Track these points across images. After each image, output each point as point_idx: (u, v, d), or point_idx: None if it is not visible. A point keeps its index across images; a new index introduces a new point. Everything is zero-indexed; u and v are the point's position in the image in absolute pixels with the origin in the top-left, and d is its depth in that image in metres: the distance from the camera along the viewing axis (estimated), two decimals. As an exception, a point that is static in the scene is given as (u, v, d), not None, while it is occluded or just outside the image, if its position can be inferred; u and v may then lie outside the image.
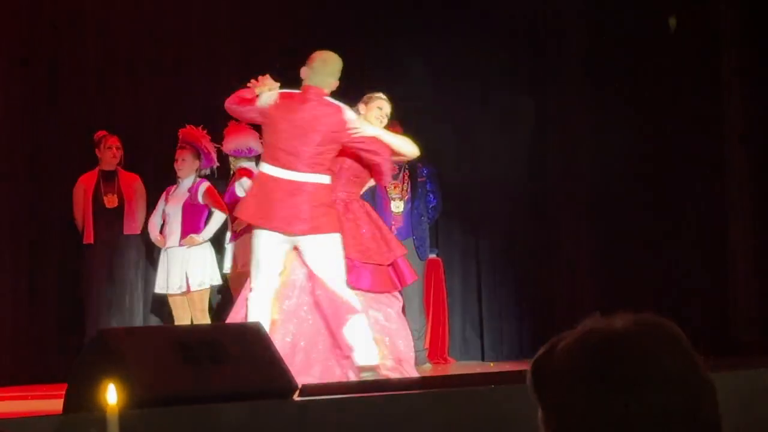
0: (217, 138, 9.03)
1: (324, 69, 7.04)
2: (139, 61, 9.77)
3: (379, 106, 7.40)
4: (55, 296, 9.31)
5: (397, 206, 9.47)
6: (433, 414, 5.84)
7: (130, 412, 3.90)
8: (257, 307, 6.95)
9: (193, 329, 6.49)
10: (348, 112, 7.13)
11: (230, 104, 7.00)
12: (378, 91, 7.46)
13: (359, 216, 7.29)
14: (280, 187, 6.87)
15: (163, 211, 9.00)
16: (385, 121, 7.39)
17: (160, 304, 9.28)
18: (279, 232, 6.89)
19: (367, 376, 6.79)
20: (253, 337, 6.00)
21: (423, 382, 6.36)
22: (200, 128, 9.12)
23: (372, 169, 7.30)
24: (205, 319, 8.82)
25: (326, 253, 6.95)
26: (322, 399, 5.77)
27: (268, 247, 6.91)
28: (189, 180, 8.93)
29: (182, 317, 8.87)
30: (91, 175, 9.16)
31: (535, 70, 10.54)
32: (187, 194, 8.92)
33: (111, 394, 2.65)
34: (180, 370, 5.45)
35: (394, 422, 5.68)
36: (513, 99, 10.37)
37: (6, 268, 9.06)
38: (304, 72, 7.11)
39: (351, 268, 7.05)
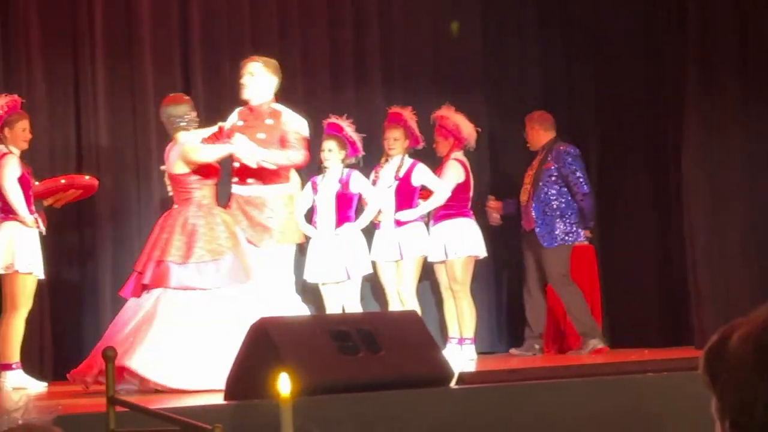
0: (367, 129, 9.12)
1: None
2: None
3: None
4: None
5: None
6: (590, 401, 5.82)
7: (299, 399, 3.95)
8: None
9: (349, 318, 6.57)
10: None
11: None
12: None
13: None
14: None
15: (313, 202, 9.07)
16: None
17: (311, 293, 9.37)
18: None
19: None
20: (410, 325, 6.05)
21: (580, 370, 6.33)
22: (344, 118, 9.19)
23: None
24: (356, 308, 8.88)
25: None
26: (480, 387, 5.78)
27: None
28: (337, 170, 9.00)
29: (334, 306, 8.95)
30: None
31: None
32: (338, 184, 8.99)
33: (284, 384, 2.71)
34: (337, 359, 5.53)
35: (551, 409, 5.67)
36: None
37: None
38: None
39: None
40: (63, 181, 8.32)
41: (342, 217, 8.94)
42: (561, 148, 9.42)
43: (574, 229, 9.38)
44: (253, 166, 7.47)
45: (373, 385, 5.44)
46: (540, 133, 9.50)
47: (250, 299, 7.12)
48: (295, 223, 8.04)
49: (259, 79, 7.75)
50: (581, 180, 9.35)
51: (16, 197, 7.86)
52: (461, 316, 9.25)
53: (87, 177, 8.47)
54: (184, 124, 7.45)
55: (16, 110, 8.04)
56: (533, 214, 9.34)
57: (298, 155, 7.64)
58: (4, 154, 7.96)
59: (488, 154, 10.34)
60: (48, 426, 2.41)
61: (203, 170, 7.37)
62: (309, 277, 9.02)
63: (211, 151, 7.43)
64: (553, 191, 9.35)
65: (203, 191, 7.41)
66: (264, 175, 7.64)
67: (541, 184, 9.36)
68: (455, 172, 9.28)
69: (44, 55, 8.90)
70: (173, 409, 4.28)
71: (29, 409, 2.82)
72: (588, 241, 9.80)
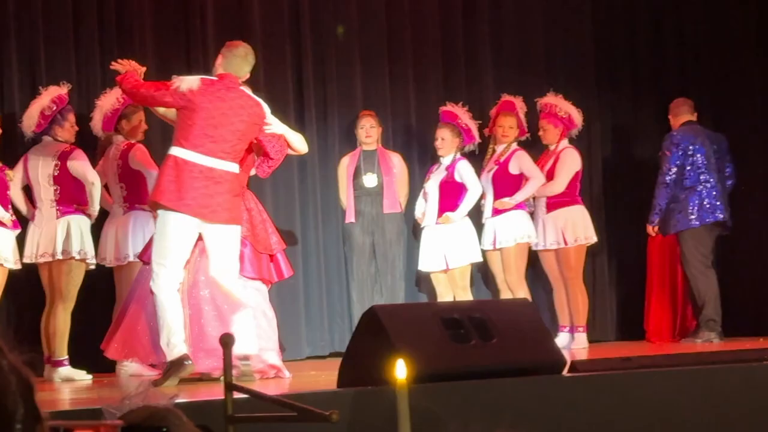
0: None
1: (237, 58, 6.97)
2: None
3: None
4: (323, 275, 9.54)
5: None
6: (706, 389, 5.75)
7: (414, 386, 3.97)
8: (171, 293, 6.76)
9: (460, 306, 6.57)
10: (265, 107, 7.06)
11: (137, 88, 6.85)
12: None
13: (251, 205, 7.35)
14: (202, 173, 6.72)
15: (424, 190, 9.11)
16: None
17: (424, 282, 9.41)
18: (194, 218, 6.75)
19: (244, 365, 6.74)
20: (522, 313, 6.03)
21: (695, 359, 6.25)
22: (460, 105, 9.21)
23: (260, 163, 7.29)
24: (466, 296, 8.89)
25: (231, 244, 6.90)
26: (593, 375, 5.73)
27: (180, 232, 6.75)
28: (449, 158, 9.02)
29: (445, 294, 8.97)
30: (353, 154, 9.35)
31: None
32: (445, 172, 9.01)
33: (400, 370, 2.72)
34: (449, 347, 5.53)
35: (665, 398, 5.61)
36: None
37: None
38: (219, 60, 7.04)
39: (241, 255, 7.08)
40: None
41: (445, 206, 8.94)
42: (670, 133, 9.35)
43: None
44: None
45: (485, 373, 5.43)
46: (671, 120, 9.46)
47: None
48: None
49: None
50: (663, 168, 9.23)
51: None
52: (573, 304, 9.20)
53: None
54: None
55: (132, 102, 8.15)
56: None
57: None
58: (131, 145, 8.12)
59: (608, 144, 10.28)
60: (169, 407, 2.45)
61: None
62: (420, 265, 9.05)
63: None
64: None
65: None
66: None
67: None
68: (575, 161, 9.24)
69: (156, 48, 9.04)
70: (287, 395, 4.32)
71: (149, 394, 2.87)
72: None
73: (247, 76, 7.08)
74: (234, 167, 6.86)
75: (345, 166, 9.35)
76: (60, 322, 7.79)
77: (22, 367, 1.36)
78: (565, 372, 5.70)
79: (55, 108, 7.86)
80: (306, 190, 9.51)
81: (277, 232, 7.48)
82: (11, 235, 7.72)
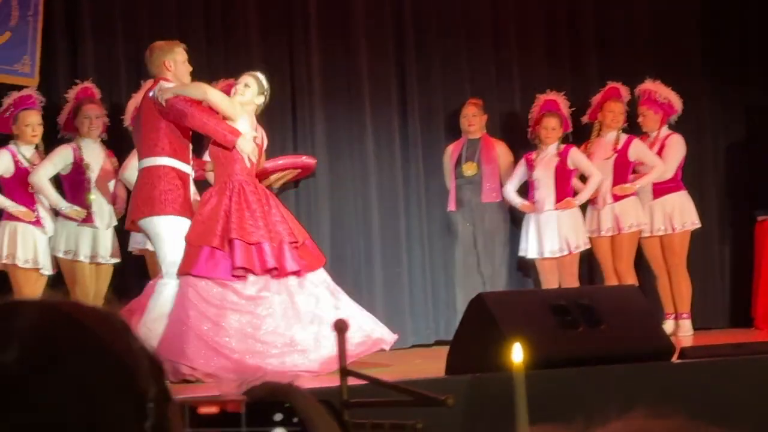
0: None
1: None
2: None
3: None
4: (427, 264, 9.56)
5: None
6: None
7: (529, 372, 3.97)
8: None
9: (568, 292, 6.55)
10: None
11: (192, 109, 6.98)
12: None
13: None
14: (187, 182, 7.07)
15: (529, 178, 9.06)
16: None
17: (527, 269, 9.38)
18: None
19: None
20: (629, 299, 6.01)
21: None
22: (561, 95, 9.17)
23: None
24: (574, 283, 8.84)
25: None
26: (704, 361, 5.69)
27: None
28: (554, 146, 8.99)
29: (551, 281, 8.94)
30: (458, 143, 9.36)
31: None
32: (557, 159, 8.96)
33: (516, 353, 2.73)
34: (557, 333, 5.53)
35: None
36: None
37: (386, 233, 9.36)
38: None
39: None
40: (283, 161, 8.52)
41: (561, 193, 8.91)
42: None
43: None
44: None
45: (594, 359, 5.42)
46: None
47: None
48: None
49: None
50: None
51: None
52: (677, 291, 9.11)
53: (304, 157, 8.66)
54: None
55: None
56: None
57: None
58: None
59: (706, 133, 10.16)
60: (291, 384, 2.48)
61: None
62: (528, 252, 9.01)
63: None
64: None
65: None
66: None
67: None
68: (681, 148, 9.16)
69: (262, 40, 9.12)
70: (400, 381, 4.35)
71: (267, 378, 2.92)
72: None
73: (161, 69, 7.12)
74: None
75: (449, 154, 9.37)
76: None
77: (152, 348, 1.40)
78: (674, 358, 5.67)
79: None
80: (410, 179, 9.53)
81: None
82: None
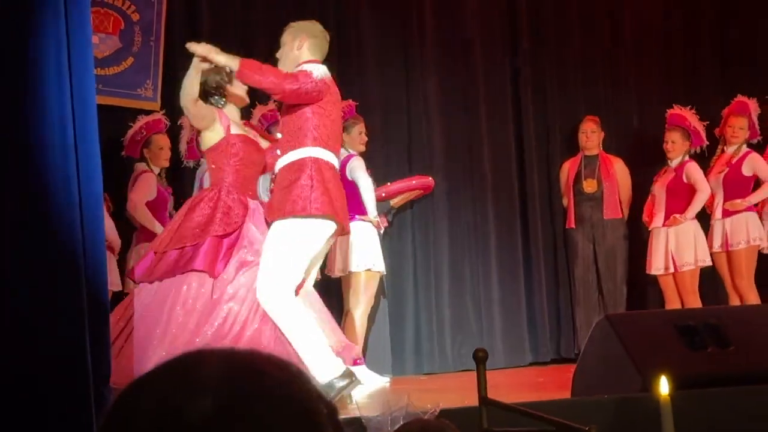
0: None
1: (321, 38, 6.13)
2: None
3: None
4: (543, 281, 9.50)
5: None
6: None
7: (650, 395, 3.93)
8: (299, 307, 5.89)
9: (695, 312, 6.45)
10: None
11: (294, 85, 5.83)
12: None
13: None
14: (337, 176, 6.04)
15: (653, 193, 9.00)
16: None
17: (651, 286, 9.27)
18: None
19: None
20: (758, 318, 5.90)
21: None
22: (688, 109, 9.08)
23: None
24: (695, 300, 8.73)
25: None
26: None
27: (321, 244, 5.97)
28: (677, 161, 8.90)
29: (672, 298, 8.84)
30: (574, 160, 9.32)
31: None
32: (673, 174, 8.88)
33: (663, 386, 2.72)
34: (685, 354, 5.46)
35: None
36: None
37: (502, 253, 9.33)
38: (304, 44, 6.08)
39: None
40: (414, 182, 8.57)
41: (672, 208, 8.81)
42: None
43: None
44: None
45: (725, 381, 5.34)
46: None
47: None
48: None
49: None
50: None
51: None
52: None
53: (423, 178, 8.70)
54: None
55: (352, 114, 8.29)
56: None
57: None
58: (350, 156, 8.25)
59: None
60: (443, 421, 2.49)
61: None
62: (649, 269, 8.93)
63: None
64: None
65: None
66: None
67: None
68: None
69: (378, 60, 9.16)
70: (529, 404, 4.33)
71: (411, 405, 2.92)
72: None
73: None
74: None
75: (566, 171, 9.33)
76: None
77: (326, 394, 1.43)
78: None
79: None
80: (526, 196, 9.50)
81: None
82: None
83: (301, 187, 5.83)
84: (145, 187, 7.96)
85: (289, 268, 5.82)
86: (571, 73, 9.63)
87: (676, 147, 8.87)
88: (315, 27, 6.16)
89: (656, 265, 8.80)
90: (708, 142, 9.03)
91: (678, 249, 8.77)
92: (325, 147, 5.90)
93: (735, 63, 9.81)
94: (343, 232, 6.09)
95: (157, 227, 7.80)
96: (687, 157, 8.92)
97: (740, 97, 9.10)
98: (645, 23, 9.82)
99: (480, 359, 3.23)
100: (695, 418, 4.85)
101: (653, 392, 2.65)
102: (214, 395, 1.27)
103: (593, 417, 4.72)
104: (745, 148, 8.96)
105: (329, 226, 5.90)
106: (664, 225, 8.81)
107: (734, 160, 8.90)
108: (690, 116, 9.01)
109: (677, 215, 8.74)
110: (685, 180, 8.81)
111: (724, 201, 8.82)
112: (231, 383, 1.30)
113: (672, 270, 8.76)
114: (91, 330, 3.82)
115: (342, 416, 1.32)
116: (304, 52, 6.02)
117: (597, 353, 5.60)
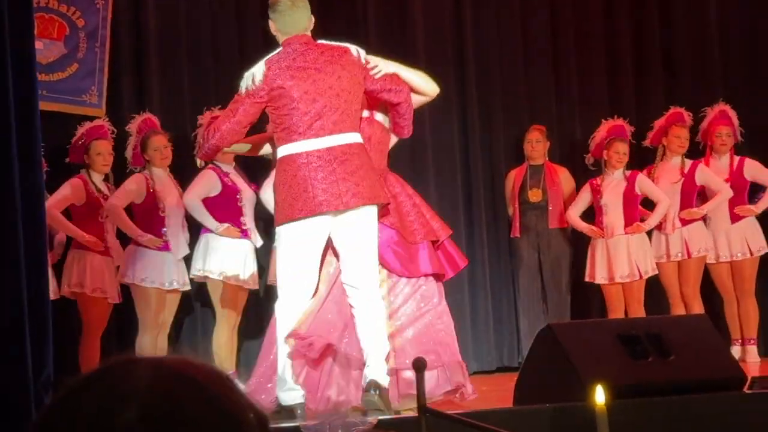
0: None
1: (287, 14, 5.71)
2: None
3: None
4: (489, 290, 9.54)
5: None
6: None
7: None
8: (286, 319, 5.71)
9: (637, 322, 6.50)
10: (355, 48, 5.81)
11: (211, 135, 5.76)
12: None
13: (398, 189, 6.07)
14: (321, 159, 5.62)
15: (596, 203, 9.02)
16: None
17: (594, 295, 9.32)
18: (326, 215, 5.66)
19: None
20: (698, 328, 5.96)
21: None
22: (627, 121, 9.18)
23: (392, 121, 6.04)
24: (640, 309, 8.79)
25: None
26: (776, 391, 5.63)
27: (304, 246, 5.71)
28: (620, 171, 8.95)
29: (617, 308, 8.89)
30: (520, 169, 9.36)
31: None
32: (625, 184, 8.93)
33: (599, 395, 2.73)
34: (626, 363, 5.50)
35: None
36: None
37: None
38: (271, 27, 5.77)
39: None
40: None
41: (629, 217, 8.87)
42: None
43: None
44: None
45: (664, 390, 5.39)
46: None
47: None
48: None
49: None
50: None
51: None
52: (745, 316, 9.05)
53: None
54: None
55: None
56: None
57: None
58: None
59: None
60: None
61: None
62: (596, 277, 8.97)
63: None
64: None
65: None
66: None
67: None
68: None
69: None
70: (470, 413, 4.34)
71: (350, 414, 2.92)
72: None
73: (311, 24, 5.79)
74: (357, 137, 5.66)
75: (512, 180, 9.36)
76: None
77: (256, 402, 1.43)
78: (746, 388, 5.62)
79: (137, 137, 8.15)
80: (471, 204, 9.53)
81: (437, 218, 6.21)
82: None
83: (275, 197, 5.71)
84: (64, 192, 7.91)
85: (281, 277, 5.73)
86: (515, 81, 9.67)
87: (625, 158, 8.94)
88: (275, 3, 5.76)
89: (620, 273, 8.83)
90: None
91: (639, 257, 8.85)
92: (287, 141, 5.59)
93: (674, 74, 9.89)
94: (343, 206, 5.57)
95: (73, 232, 7.85)
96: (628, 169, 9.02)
97: (677, 108, 9.20)
98: (588, 33, 9.87)
99: (419, 368, 3.24)
100: (632, 427, 4.89)
101: (589, 401, 2.67)
102: (140, 405, 1.28)
103: (534, 426, 4.75)
104: (687, 159, 9.07)
105: (297, 228, 5.60)
106: (625, 233, 8.85)
107: (686, 171, 9.01)
108: (628, 128, 9.12)
109: (640, 223, 8.81)
110: (637, 191, 8.88)
111: (680, 211, 8.92)
112: (158, 393, 1.30)
113: (637, 277, 8.82)
114: (31, 322, 3.79)
115: (283, 425, 1.32)
116: (277, 35, 5.77)
117: (540, 362, 5.62)
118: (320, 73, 5.63)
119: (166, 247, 8.00)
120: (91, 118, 8.23)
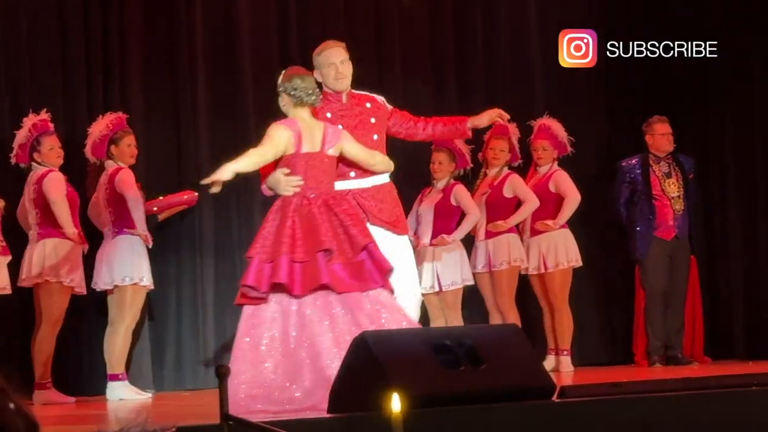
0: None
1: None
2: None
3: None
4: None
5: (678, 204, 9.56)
6: (695, 415, 5.77)
7: (410, 412, 3.98)
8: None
9: (450, 331, 6.57)
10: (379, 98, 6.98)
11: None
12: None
13: None
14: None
15: (417, 212, 9.10)
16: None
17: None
18: None
19: None
20: (511, 338, 6.05)
21: (684, 384, 6.28)
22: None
23: None
24: (458, 318, 8.90)
25: None
26: (584, 400, 5.75)
27: None
28: (443, 182, 9.05)
29: (436, 316, 8.99)
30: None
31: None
32: (441, 195, 9.03)
33: (395, 402, 2.74)
34: (439, 372, 5.54)
35: (655, 424, 5.64)
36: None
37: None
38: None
39: None
40: (185, 197, 8.54)
41: (439, 228, 8.95)
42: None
43: None
44: None
45: (476, 398, 5.45)
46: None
47: None
48: None
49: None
50: None
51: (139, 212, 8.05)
52: (559, 327, 9.25)
53: (191, 193, 8.64)
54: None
55: (122, 127, 8.22)
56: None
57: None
58: (118, 169, 8.12)
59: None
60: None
61: None
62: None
63: None
64: None
65: None
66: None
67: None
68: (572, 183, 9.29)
69: (144, 73, 9.03)
70: (281, 422, 4.33)
71: (148, 422, 2.88)
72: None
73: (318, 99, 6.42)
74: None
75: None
76: (45, 344, 7.85)
77: (28, 408, 1.40)
78: (554, 397, 5.72)
79: (30, 135, 8.01)
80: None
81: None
82: (2, 261, 7.84)
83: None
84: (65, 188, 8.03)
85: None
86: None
87: (442, 168, 9.02)
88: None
89: (423, 284, 8.93)
90: (472, 165, 9.22)
91: (444, 268, 8.93)
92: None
93: (500, 89, 10.04)
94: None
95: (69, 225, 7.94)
96: (452, 180, 9.09)
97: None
98: (415, 49, 9.96)
99: (222, 375, 3.21)
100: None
101: (384, 410, 2.67)
102: None
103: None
104: (506, 171, 9.20)
105: None
106: (431, 244, 8.94)
107: (496, 182, 9.13)
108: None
109: (444, 235, 8.89)
110: (453, 202, 8.97)
111: (487, 222, 9.03)
112: None
113: (437, 289, 8.91)
114: None
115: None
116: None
117: (354, 371, 5.63)
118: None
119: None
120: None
